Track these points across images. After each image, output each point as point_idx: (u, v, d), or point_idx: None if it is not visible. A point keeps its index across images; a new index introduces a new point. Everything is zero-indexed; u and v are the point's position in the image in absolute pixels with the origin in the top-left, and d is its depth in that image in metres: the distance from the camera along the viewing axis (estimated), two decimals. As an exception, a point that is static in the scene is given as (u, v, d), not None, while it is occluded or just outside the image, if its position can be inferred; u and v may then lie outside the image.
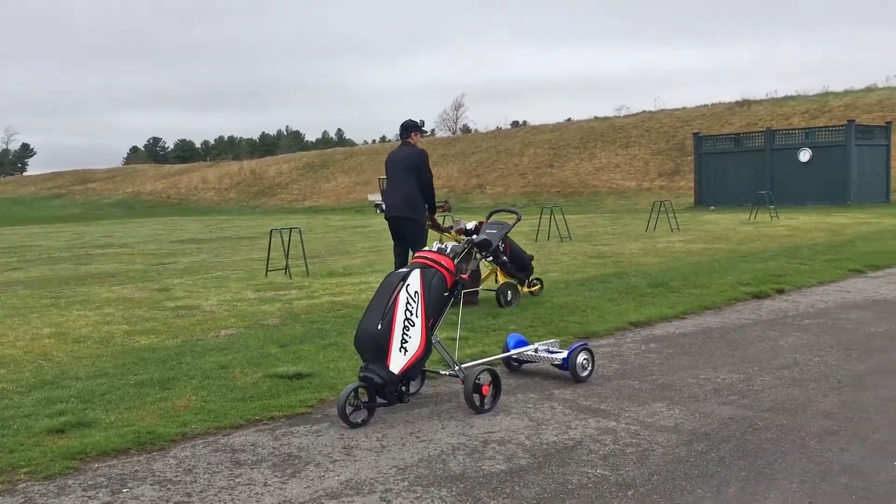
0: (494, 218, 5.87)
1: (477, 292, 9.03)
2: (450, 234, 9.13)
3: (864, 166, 28.65)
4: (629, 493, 3.72)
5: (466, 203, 45.37)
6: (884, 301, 8.69)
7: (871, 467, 3.93)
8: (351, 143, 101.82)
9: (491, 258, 8.81)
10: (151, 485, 3.92)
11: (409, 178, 8.41)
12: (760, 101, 47.09)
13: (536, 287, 9.40)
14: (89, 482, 3.96)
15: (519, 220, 5.80)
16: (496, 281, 9.13)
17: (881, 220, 19.99)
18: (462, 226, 9.18)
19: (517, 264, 9.15)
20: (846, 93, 43.95)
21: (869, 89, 43.83)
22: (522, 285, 9.18)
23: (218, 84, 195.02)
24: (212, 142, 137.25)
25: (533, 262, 9.39)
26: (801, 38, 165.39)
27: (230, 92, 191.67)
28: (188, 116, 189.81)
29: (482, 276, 9.34)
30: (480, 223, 8.91)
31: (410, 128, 8.63)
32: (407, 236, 8.58)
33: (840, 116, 37.85)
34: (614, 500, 3.64)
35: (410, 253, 8.38)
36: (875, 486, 3.70)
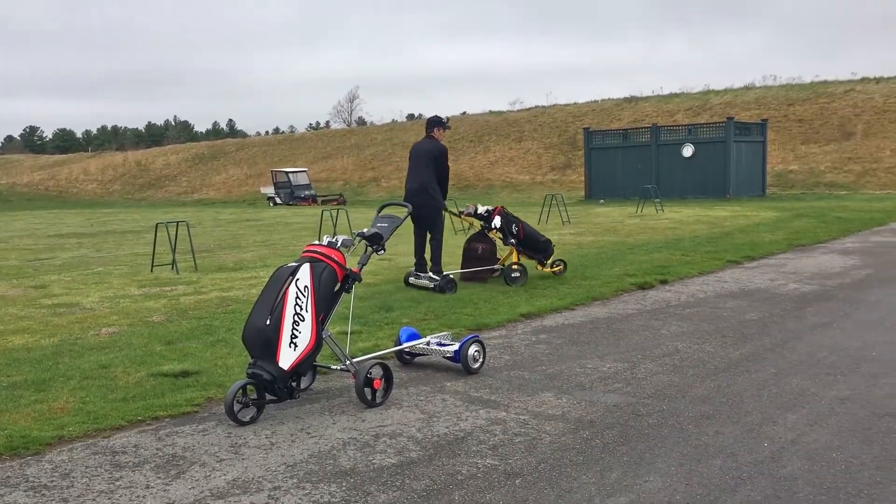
0: (385, 212, 5.85)
1: (493, 270, 9.85)
2: (463, 217, 10.15)
3: (742, 161, 30.11)
4: (517, 481, 3.79)
5: (362, 196, 45.16)
6: (757, 290, 9.16)
7: (742, 449, 4.14)
8: (243, 135, 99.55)
9: (509, 240, 9.68)
10: (25, 491, 3.73)
11: (429, 168, 9.25)
12: (647, 98, 48.84)
13: (559, 268, 10.00)
14: (-46, 492, 3.73)
15: (409, 213, 5.81)
16: (518, 261, 9.73)
17: (757, 213, 21.06)
18: (472, 209, 10.07)
19: (532, 247, 9.81)
20: (726, 91, 46.09)
21: (747, 88, 46.11)
22: (543, 266, 9.87)
23: (101, 71, 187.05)
24: (94, 131, 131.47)
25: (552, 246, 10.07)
26: (685, 37, 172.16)
27: (114, 80, 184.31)
28: (68, 104, 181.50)
29: (504, 257, 9.93)
30: (496, 208, 9.96)
31: (435, 123, 9.49)
32: (425, 220, 9.37)
33: (721, 113, 39.66)
34: (502, 489, 3.70)
35: (428, 236, 9.42)
36: (746, 467, 3.90)
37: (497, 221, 9.81)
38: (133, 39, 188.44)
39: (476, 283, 9.79)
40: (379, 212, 5.86)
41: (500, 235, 9.83)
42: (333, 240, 5.28)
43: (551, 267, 9.98)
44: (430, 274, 9.30)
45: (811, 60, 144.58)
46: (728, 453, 4.08)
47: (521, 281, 9.48)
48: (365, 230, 5.52)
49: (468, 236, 10.49)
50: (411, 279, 9.45)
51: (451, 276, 9.36)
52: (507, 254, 9.92)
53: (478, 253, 9.98)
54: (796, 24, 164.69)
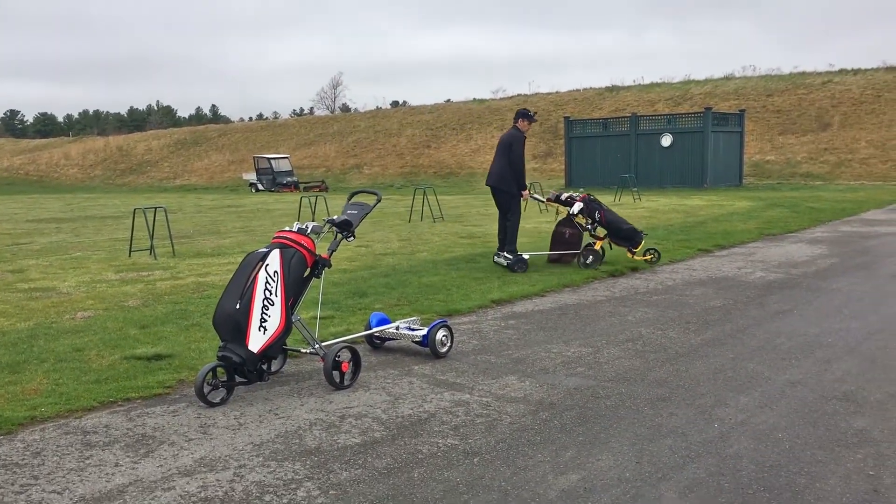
0: (355, 199, 5.96)
1: (574, 254, 10.21)
2: (548, 202, 10.77)
3: (720, 151, 30.38)
4: (475, 460, 3.94)
5: (344, 183, 45.13)
6: (724, 278, 9.37)
7: (693, 429, 4.31)
8: (226, 120, 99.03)
9: (586, 226, 10.18)
10: (-4, 470, 3.84)
11: (504, 156, 9.94)
12: (629, 88, 49.02)
13: (650, 256, 10.21)
14: (-73, 469, 3.83)
15: (379, 200, 5.93)
16: (610, 247, 10.35)
17: (732, 203, 21.32)
18: (554, 195, 10.70)
19: (615, 233, 10.12)
20: (706, 81, 46.35)
21: (727, 78, 46.39)
22: (633, 254, 10.14)
23: (83, 55, 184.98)
24: (76, 116, 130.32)
25: (642, 236, 10.22)
26: (667, 27, 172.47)
27: (96, 64, 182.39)
28: (50, 89, 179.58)
29: (594, 245, 10.22)
30: (582, 195, 10.34)
31: (519, 114, 10.07)
32: (501, 204, 10.14)
33: (701, 103, 39.93)
34: (460, 466, 3.85)
35: (503, 218, 10.12)
36: (694, 446, 4.07)
37: (576, 208, 10.24)
38: (117, 23, 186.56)
39: (560, 265, 10.28)
40: (349, 199, 5.98)
41: (587, 221, 10.25)
42: (303, 226, 5.40)
43: (643, 255, 10.21)
44: (505, 253, 9.97)
45: (790, 51, 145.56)
46: (679, 433, 4.25)
47: (594, 264, 9.87)
48: (335, 217, 5.64)
49: (557, 221, 10.88)
50: (495, 258, 10.21)
51: (527, 256, 9.97)
52: (595, 239, 10.29)
53: (565, 237, 10.40)
54: (777, 15, 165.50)
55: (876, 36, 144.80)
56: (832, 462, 3.83)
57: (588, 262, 9.93)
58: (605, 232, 10.22)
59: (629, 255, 10.20)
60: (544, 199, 10.78)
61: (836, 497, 3.45)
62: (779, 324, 6.88)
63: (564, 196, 10.53)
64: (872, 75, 40.57)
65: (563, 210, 10.57)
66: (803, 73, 43.76)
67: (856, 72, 41.93)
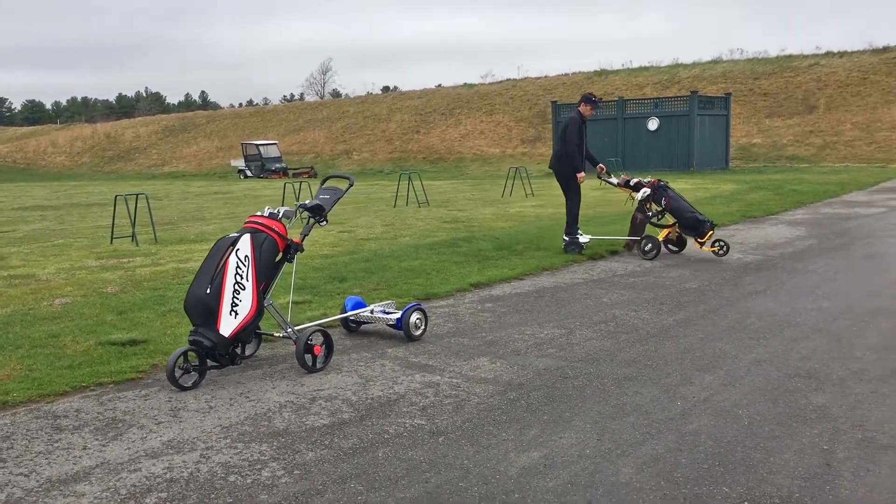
0: (328, 184, 6.00)
1: (637, 240, 10.03)
2: (619, 186, 10.58)
3: (706, 135, 30.44)
4: (440, 439, 4.00)
5: (333, 169, 45.01)
6: (701, 260, 9.44)
7: (656, 407, 4.38)
8: (216, 107, 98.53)
9: (647, 214, 10.01)
10: (-35, 453, 3.88)
11: (561, 139, 10.17)
12: (617, 71, 49.00)
13: (716, 249, 9.58)
14: None
15: (351, 185, 5.96)
16: (677, 236, 10.01)
17: (718, 186, 21.40)
18: (624, 180, 10.58)
19: (680, 222, 9.73)
20: (694, 64, 46.37)
21: (715, 62, 46.41)
22: (701, 245, 9.62)
23: (71, 41, 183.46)
24: (63, 103, 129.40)
25: (713, 226, 9.69)
26: (656, 10, 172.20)
27: (85, 51, 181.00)
28: (38, 76, 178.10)
29: (663, 234, 9.95)
30: (651, 181, 10.16)
31: (582, 99, 10.18)
32: (560, 185, 10.34)
33: (689, 87, 39.94)
34: (425, 446, 3.92)
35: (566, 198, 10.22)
36: (656, 423, 4.14)
37: (641, 194, 10.06)
38: (105, 9, 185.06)
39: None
40: (322, 184, 6.01)
41: (653, 207, 10.05)
42: (275, 211, 5.43)
43: (711, 246, 9.59)
44: (564, 235, 10.20)
45: (778, 34, 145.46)
46: (642, 411, 4.32)
47: (650, 254, 9.63)
48: (307, 202, 5.67)
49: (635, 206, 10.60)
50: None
51: (585, 239, 10.13)
52: (668, 227, 10.00)
53: (636, 222, 10.29)
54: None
55: (862, 18, 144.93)
56: (788, 437, 3.91)
57: (646, 249, 9.69)
58: (675, 220, 9.82)
59: (697, 244, 9.67)
60: (615, 182, 10.58)
61: (789, 470, 3.53)
62: (751, 304, 6.96)
63: (634, 181, 10.37)
64: (858, 58, 40.65)
65: (635, 195, 10.30)
66: (790, 56, 43.83)
67: (842, 54, 42.01)
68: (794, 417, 4.18)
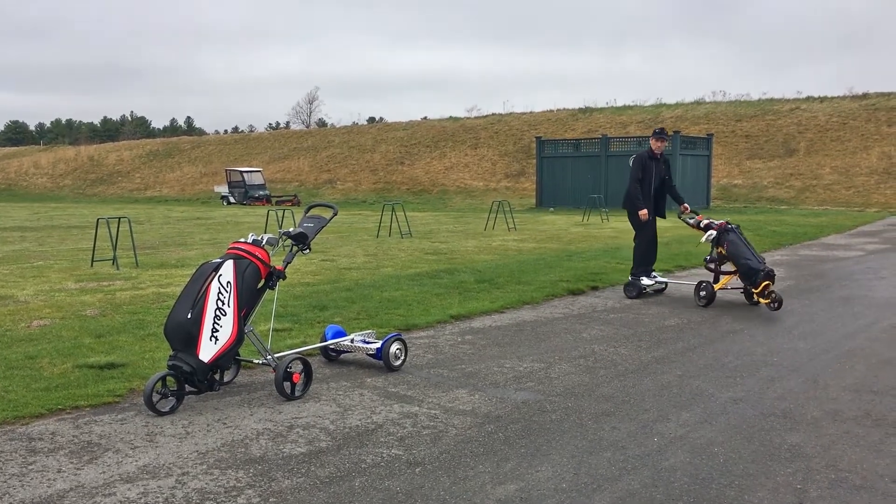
0: (312, 212, 6.03)
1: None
2: (695, 228, 9.76)
3: (688, 174, 30.81)
4: (417, 469, 4.00)
5: (317, 198, 45.04)
6: (682, 298, 9.53)
7: (633, 443, 4.41)
8: (201, 132, 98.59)
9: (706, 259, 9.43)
10: (-64, 474, 3.84)
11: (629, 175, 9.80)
12: (601, 109, 49.63)
13: (768, 301, 8.54)
14: None
15: (335, 214, 6.00)
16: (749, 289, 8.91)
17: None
18: (695, 221, 9.77)
19: (738, 268, 8.91)
20: (678, 105, 47.07)
21: (698, 102, 47.14)
22: (755, 295, 8.73)
23: (58, 63, 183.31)
24: (48, 124, 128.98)
25: (769, 277, 8.66)
26: (641, 51, 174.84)
27: (71, 73, 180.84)
28: (23, 97, 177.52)
29: (721, 283, 9.21)
30: (720, 224, 9.35)
31: (652, 133, 9.90)
32: (630, 223, 10.01)
33: (672, 127, 40.47)
34: (402, 476, 3.92)
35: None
36: (632, 459, 4.16)
37: (706, 237, 9.35)
38: (92, 32, 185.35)
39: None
40: (306, 212, 6.04)
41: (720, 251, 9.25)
42: (259, 238, 5.45)
43: (764, 298, 8.60)
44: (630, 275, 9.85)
45: (760, 77, 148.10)
46: (619, 447, 4.35)
47: (701, 302, 8.94)
48: (291, 230, 5.70)
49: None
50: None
51: (647, 282, 9.64)
52: (723, 274, 9.34)
53: (711, 267, 9.46)
54: (748, 42, 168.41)
55: (843, 64, 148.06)
56: (763, 475, 3.94)
57: (700, 296, 8.99)
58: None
59: (755, 295, 8.77)
60: (691, 223, 9.81)
61: (763, 509, 3.56)
62: (728, 343, 7.03)
63: (704, 222, 9.57)
64: (839, 103, 41.43)
65: (702, 239, 9.51)
66: (772, 100, 44.62)
67: (822, 99, 42.80)
68: (769, 456, 4.21)
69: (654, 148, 9.73)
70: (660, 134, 9.82)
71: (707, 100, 47.77)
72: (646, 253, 9.81)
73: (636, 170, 9.67)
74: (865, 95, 42.01)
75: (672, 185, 9.97)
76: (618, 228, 20.38)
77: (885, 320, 8.10)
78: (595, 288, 10.21)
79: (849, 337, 7.28)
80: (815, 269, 12.55)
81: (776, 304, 8.50)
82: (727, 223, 9.41)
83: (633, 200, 9.68)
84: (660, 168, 9.76)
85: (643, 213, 9.62)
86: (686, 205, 9.94)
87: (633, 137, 33.94)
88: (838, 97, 42.73)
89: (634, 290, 9.56)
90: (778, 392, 5.45)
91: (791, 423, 4.76)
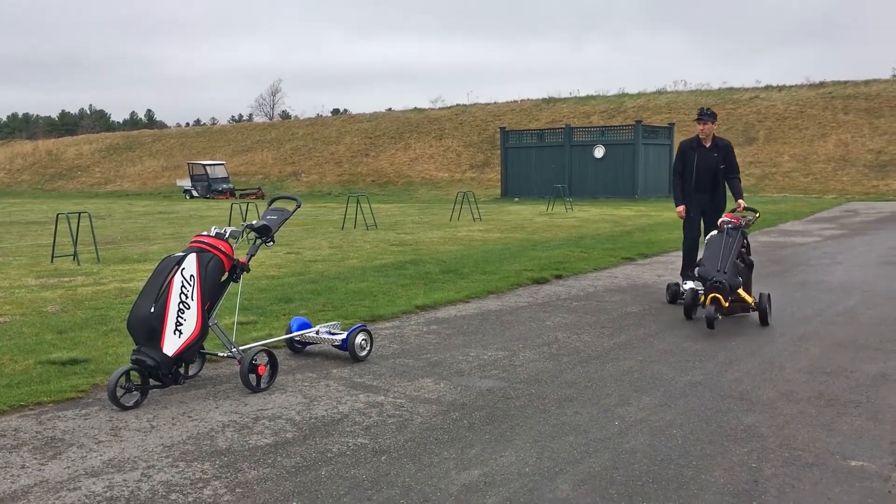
0: (276, 205, 6.04)
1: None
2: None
3: (650, 163, 31.19)
4: (382, 458, 4.05)
5: (281, 190, 44.77)
6: (643, 285, 9.68)
7: (594, 427, 4.50)
8: (162, 126, 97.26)
9: None
10: None
11: None
12: (565, 99, 49.90)
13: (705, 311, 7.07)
14: None
15: (298, 206, 6.01)
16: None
17: (660, 214, 21.92)
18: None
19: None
20: (640, 94, 47.49)
21: (659, 92, 47.62)
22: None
23: (13, 56, 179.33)
24: (3, 118, 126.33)
25: (714, 289, 7.19)
26: (604, 41, 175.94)
27: (27, 66, 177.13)
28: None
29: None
30: (721, 224, 7.81)
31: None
32: None
33: (634, 116, 40.88)
34: (368, 464, 3.96)
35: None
36: (594, 442, 4.26)
37: (708, 237, 7.91)
38: (49, 24, 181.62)
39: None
40: (270, 204, 6.05)
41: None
42: (222, 231, 5.45)
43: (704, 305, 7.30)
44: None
45: (720, 67, 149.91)
46: (581, 431, 4.44)
47: (709, 318, 7.03)
48: (254, 222, 5.70)
49: None
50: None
51: (682, 285, 8.35)
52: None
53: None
54: (707, 32, 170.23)
55: (800, 53, 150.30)
56: (719, 455, 4.06)
57: (710, 317, 7.02)
58: None
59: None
60: (753, 217, 8.29)
61: (719, 487, 3.67)
62: (688, 329, 7.17)
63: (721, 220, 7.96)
64: (796, 92, 42.13)
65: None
66: (731, 89, 45.22)
67: (780, 88, 43.49)
68: (726, 436, 4.33)
69: (699, 132, 8.37)
70: (701, 115, 8.36)
71: (669, 89, 48.35)
72: (688, 254, 8.76)
73: (676, 160, 8.67)
74: (822, 84, 42.78)
75: (732, 177, 8.40)
76: (581, 218, 20.59)
77: (839, 304, 8.31)
78: (559, 277, 10.32)
79: (804, 321, 7.47)
80: (773, 255, 12.81)
81: (707, 322, 6.99)
82: (728, 223, 7.78)
83: (676, 195, 8.59)
84: (709, 157, 8.31)
85: (679, 210, 8.54)
86: (741, 200, 8.21)
87: (597, 127, 34.24)
88: (796, 86, 43.45)
89: (668, 294, 8.39)
90: (735, 375, 5.59)
91: (747, 405, 4.89)
